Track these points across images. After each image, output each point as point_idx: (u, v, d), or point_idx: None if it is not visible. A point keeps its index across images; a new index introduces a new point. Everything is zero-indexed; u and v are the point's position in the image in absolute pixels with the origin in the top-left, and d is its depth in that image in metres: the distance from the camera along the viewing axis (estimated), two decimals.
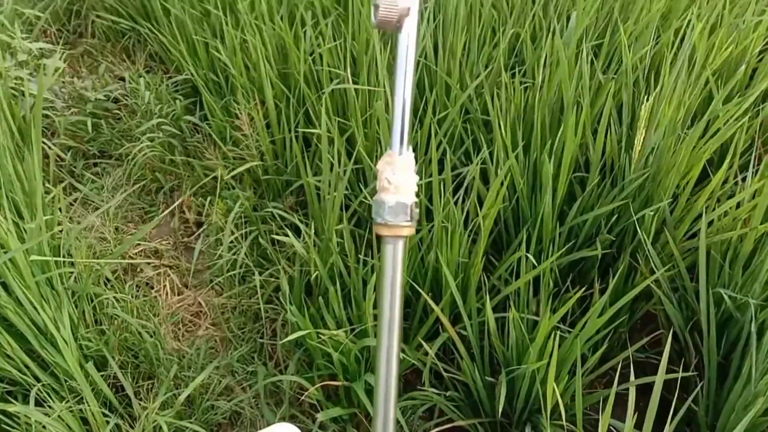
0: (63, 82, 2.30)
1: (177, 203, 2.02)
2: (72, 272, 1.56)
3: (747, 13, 1.76)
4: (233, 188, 1.87)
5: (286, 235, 1.59)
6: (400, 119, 0.70)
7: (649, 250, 1.36)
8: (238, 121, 1.79)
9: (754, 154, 1.53)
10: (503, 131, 1.47)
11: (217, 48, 1.96)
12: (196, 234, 1.95)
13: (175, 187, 2.07)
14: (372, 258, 1.43)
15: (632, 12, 1.72)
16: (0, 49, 2.08)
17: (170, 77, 2.28)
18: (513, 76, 1.68)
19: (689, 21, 1.71)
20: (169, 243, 1.96)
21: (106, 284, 1.70)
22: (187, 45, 2.11)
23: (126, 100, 2.26)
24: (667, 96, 1.41)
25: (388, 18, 0.68)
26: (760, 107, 1.58)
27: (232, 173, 1.82)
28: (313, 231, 1.51)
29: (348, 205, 1.63)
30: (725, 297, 1.31)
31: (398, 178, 0.70)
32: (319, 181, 1.60)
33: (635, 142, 1.39)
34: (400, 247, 0.70)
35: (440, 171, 1.49)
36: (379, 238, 0.73)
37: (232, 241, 1.75)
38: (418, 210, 0.73)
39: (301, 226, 1.58)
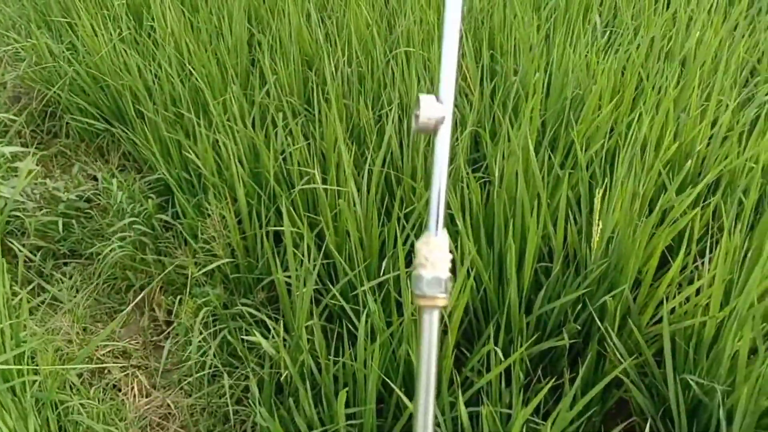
0: (35, 183, 2.31)
1: (139, 298, 2.00)
2: (36, 379, 1.52)
3: (691, 106, 1.88)
4: (204, 285, 1.87)
5: (257, 333, 1.57)
6: (437, 205, 0.80)
7: (614, 341, 1.39)
8: (210, 221, 1.81)
9: (709, 241, 1.59)
10: (465, 225, 1.51)
11: (189, 148, 2.01)
12: (166, 333, 1.93)
13: (146, 285, 2.06)
14: (342, 356, 1.42)
15: (584, 113, 1.82)
16: None
17: (143, 176, 2.32)
18: (474, 171, 1.74)
19: (639, 115, 1.82)
20: (138, 342, 1.93)
21: (71, 388, 1.65)
22: (160, 145, 2.16)
23: (98, 199, 2.28)
24: (620, 187, 1.48)
25: (427, 126, 0.78)
26: (711, 200, 1.66)
27: (203, 270, 1.82)
28: (282, 328, 1.50)
29: (319, 300, 1.64)
30: (692, 383, 1.33)
31: (434, 256, 0.78)
32: (289, 277, 1.62)
33: (592, 232, 1.44)
34: (435, 316, 0.80)
35: (408, 264, 1.51)
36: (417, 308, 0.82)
37: (201, 341, 1.73)
38: (452, 284, 0.83)
39: (270, 323, 1.58)
